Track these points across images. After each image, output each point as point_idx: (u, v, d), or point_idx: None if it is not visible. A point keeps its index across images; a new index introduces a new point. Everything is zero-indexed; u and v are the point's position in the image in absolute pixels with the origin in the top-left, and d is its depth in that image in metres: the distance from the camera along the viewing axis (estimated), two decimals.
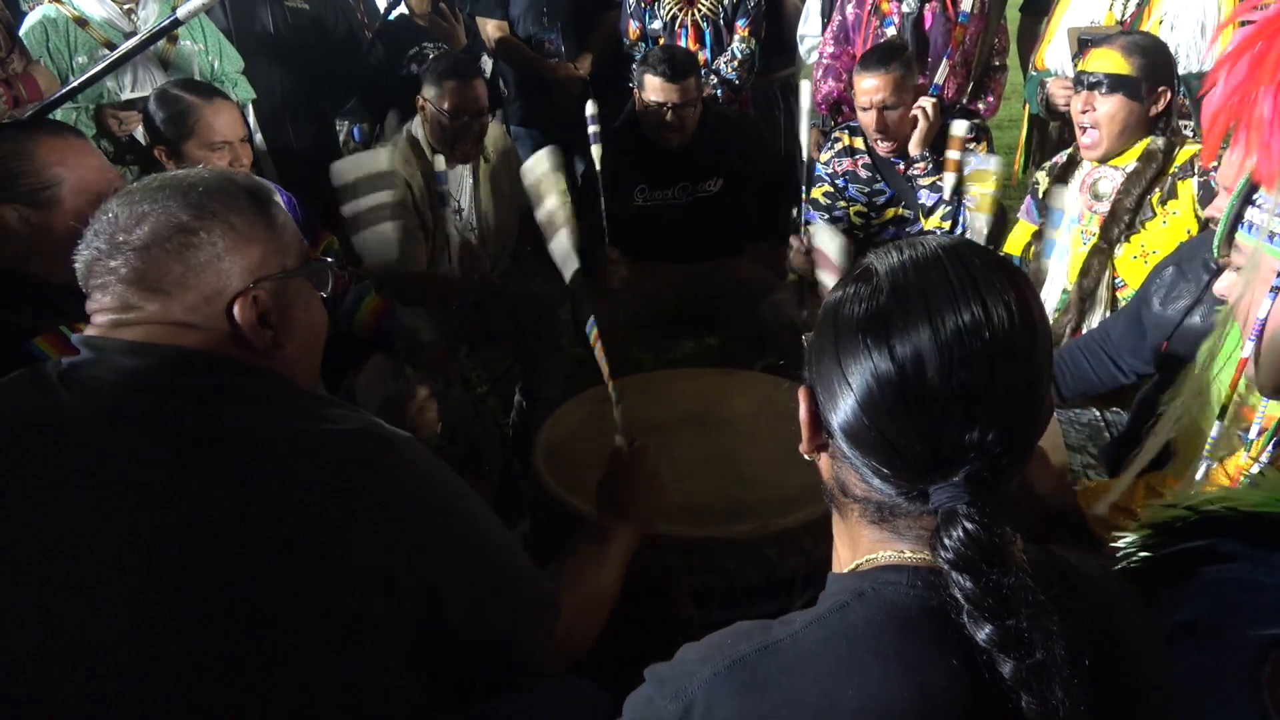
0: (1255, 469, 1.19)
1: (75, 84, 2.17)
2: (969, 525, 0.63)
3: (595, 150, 2.41)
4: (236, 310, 0.93)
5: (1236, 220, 1.14)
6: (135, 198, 0.93)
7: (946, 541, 0.63)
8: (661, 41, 3.05)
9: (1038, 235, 2.16)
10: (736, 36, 3.11)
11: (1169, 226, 1.92)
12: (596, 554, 1.21)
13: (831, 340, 0.69)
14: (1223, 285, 1.17)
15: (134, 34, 2.47)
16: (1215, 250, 1.21)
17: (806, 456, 0.76)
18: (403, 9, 3.42)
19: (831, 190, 2.66)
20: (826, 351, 0.70)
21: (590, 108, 2.38)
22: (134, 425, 0.87)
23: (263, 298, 0.95)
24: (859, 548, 0.73)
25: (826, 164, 2.67)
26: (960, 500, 0.64)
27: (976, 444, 0.64)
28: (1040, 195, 2.18)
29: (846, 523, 0.75)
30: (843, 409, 0.68)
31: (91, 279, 0.93)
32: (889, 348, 0.65)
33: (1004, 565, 0.62)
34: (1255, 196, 1.11)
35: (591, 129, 2.38)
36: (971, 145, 2.48)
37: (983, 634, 0.61)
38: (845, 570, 0.74)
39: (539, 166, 1.65)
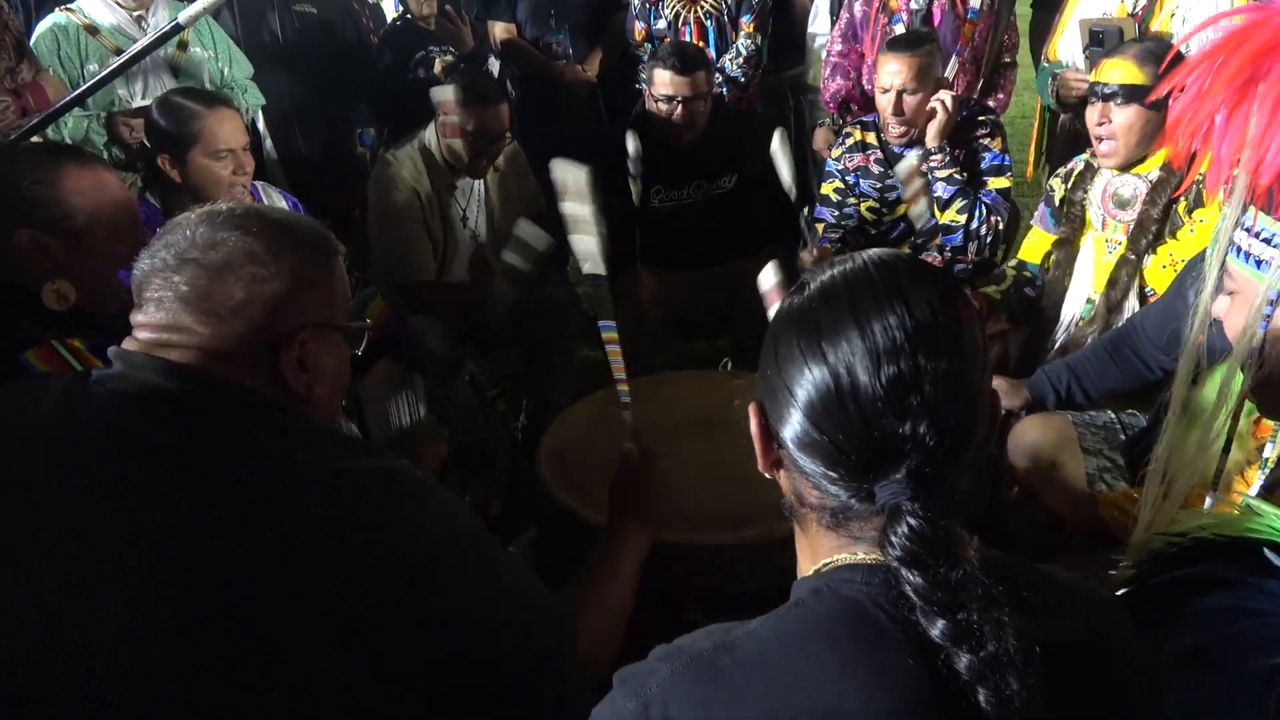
0: (1253, 490, 1.17)
1: (79, 91, 2.17)
2: (912, 521, 0.64)
3: (634, 187, 2.41)
4: (282, 349, 0.94)
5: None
6: (219, 220, 0.95)
7: (893, 539, 0.64)
8: (667, 41, 3.04)
9: (1059, 244, 2.12)
10: (742, 33, 3.09)
11: (1197, 235, 1.88)
12: (610, 567, 1.20)
13: (773, 352, 0.73)
14: (1220, 307, 1.15)
15: None
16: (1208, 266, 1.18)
17: (765, 474, 0.78)
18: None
19: (842, 186, 2.64)
20: (769, 364, 0.73)
21: (631, 144, 2.36)
22: (137, 431, 0.86)
23: (308, 342, 0.96)
24: (818, 555, 0.74)
25: (838, 160, 2.65)
26: (903, 496, 0.65)
27: (910, 436, 0.65)
28: (1056, 202, 2.15)
29: (807, 534, 0.76)
30: (788, 417, 0.70)
31: (148, 289, 0.93)
32: (821, 351, 0.68)
33: (951, 559, 0.63)
34: (1243, 220, 1.08)
35: (632, 168, 2.38)
36: (936, 164, 2.44)
37: (936, 630, 0.62)
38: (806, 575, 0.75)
39: (574, 175, 1.59)
